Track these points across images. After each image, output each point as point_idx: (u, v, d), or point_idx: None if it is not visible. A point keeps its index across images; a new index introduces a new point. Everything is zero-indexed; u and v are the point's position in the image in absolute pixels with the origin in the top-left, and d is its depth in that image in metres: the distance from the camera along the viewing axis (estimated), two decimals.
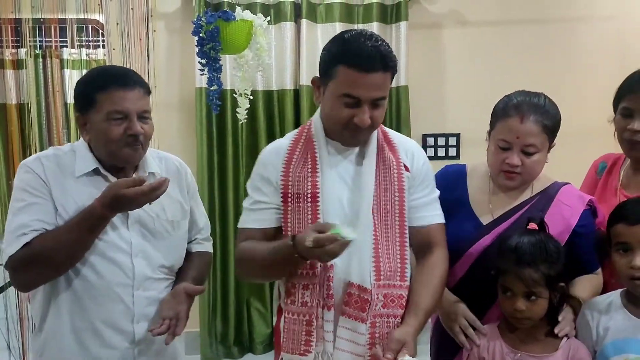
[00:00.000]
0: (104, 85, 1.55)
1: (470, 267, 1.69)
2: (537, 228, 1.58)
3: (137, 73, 1.68)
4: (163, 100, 3.49)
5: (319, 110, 1.60)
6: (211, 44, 2.55)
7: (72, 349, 1.58)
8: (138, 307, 1.60)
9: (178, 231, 1.72)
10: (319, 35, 3.51)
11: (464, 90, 3.68)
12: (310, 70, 3.48)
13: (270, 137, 3.53)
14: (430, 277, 1.57)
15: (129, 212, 1.58)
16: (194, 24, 2.56)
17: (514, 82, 3.59)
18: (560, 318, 1.54)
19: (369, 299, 1.50)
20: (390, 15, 3.56)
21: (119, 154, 1.58)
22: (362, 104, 1.45)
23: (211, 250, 1.93)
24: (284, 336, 1.54)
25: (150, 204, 1.52)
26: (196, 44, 2.59)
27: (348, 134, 1.52)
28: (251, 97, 2.92)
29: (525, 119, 1.60)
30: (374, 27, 3.51)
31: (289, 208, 1.54)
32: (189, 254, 1.80)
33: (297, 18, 3.48)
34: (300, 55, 3.48)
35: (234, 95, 2.94)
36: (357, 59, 1.42)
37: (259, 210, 1.58)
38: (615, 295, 1.55)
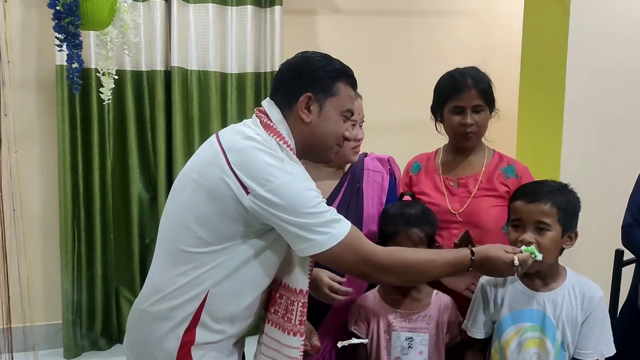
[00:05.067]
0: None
1: None
2: (410, 199, 1.81)
3: None
4: (19, 78, 3.25)
5: (285, 127, 1.44)
6: (70, 18, 2.38)
7: None
8: None
9: None
10: (191, 15, 3.41)
11: None
12: (181, 51, 3.39)
13: (139, 120, 3.41)
14: None
15: None
16: None
17: (382, 72, 3.80)
18: None
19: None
20: None
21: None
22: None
23: None
24: None
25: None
26: (53, 17, 2.41)
27: (337, 149, 1.53)
28: (116, 77, 2.78)
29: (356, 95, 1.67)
30: (248, 10, 3.47)
31: None
32: None
33: None
34: (171, 35, 3.36)
35: (98, 74, 2.79)
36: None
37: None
38: None
